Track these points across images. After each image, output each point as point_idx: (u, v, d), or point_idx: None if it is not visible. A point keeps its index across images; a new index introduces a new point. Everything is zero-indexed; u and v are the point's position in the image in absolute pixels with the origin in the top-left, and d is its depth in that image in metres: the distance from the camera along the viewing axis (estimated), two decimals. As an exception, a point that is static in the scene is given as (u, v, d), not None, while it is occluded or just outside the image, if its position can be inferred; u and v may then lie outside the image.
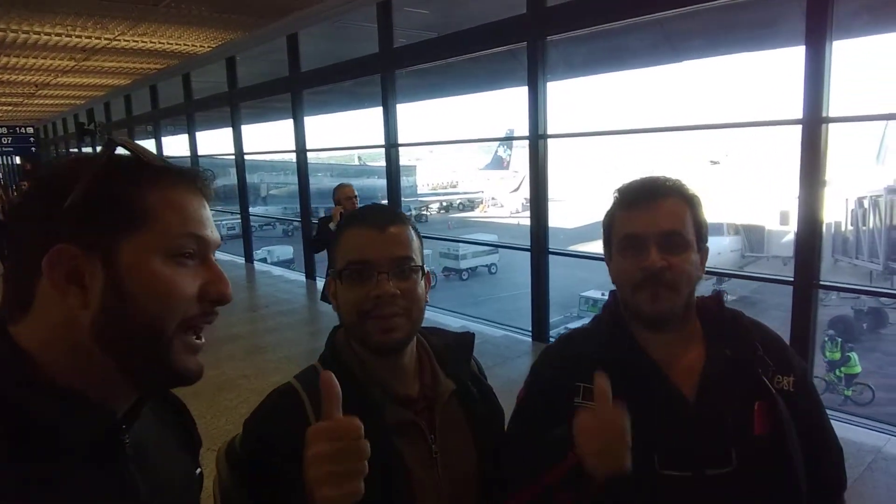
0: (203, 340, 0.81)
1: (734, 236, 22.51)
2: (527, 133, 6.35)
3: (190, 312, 0.76)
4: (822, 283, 4.59)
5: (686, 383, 1.23)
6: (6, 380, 0.70)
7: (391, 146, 8.25)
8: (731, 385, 1.22)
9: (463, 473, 1.23)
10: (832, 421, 3.84)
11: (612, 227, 1.28)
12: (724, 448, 1.18)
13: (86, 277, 0.72)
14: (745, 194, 23.73)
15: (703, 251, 1.26)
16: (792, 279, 4.66)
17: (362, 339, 1.18)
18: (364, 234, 1.18)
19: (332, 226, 5.34)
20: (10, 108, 19.19)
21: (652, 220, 1.20)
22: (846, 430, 4.34)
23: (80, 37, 9.43)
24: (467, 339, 1.38)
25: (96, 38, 9.54)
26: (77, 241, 0.71)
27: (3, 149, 18.93)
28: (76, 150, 22.47)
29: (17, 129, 18.70)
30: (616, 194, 1.29)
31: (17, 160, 24.66)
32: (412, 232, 1.23)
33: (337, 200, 5.62)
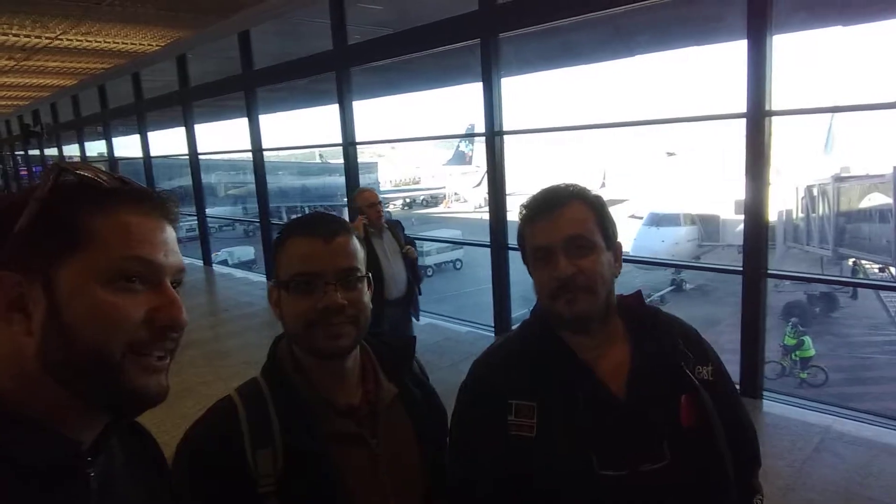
0: (168, 360, 0.78)
1: (690, 226, 23.01)
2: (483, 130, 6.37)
3: (137, 337, 0.73)
4: (770, 271, 4.73)
5: (615, 381, 1.26)
6: None
7: (349, 144, 8.17)
8: (657, 380, 1.26)
9: (407, 476, 1.24)
10: (784, 405, 3.96)
11: (524, 241, 1.31)
12: (657, 442, 1.21)
13: (29, 305, 0.71)
14: (701, 185, 24.28)
15: (616, 248, 1.30)
16: (741, 269, 4.79)
17: (308, 345, 1.18)
18: (310, 245, 1.17)
19: None
20: (-52, 109, 18.35)
21: (555, 228, 1.23)
22: (796, 412, 4.49)
23: (17, 35, 9.03)
24: (409, 343, 1.40)
25: (36, 36, 9.15)
26: (20, 267, 0.70)
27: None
28: (22, 152, 21.69)
29: (-42, 131, 17.83)
30: (521, 209, 1.31)
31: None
32: (356, 241, 1.23)
33: (358, 209, 4.71)
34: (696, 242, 23.13)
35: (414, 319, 5.05)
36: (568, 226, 1.23)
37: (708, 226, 23.15)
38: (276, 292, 1.22)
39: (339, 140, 8.23)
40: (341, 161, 8.58)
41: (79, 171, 0.76)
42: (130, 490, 0.87)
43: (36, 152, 19.58)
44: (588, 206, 1.26)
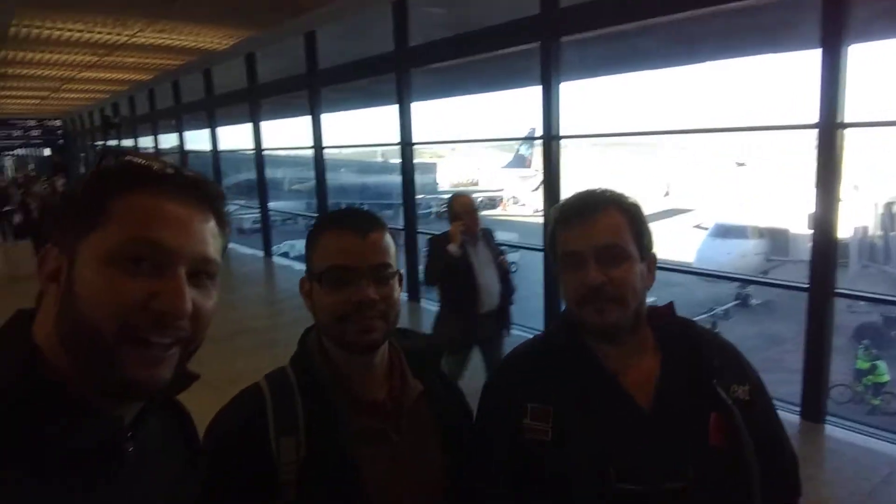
0: (172, 350, 0.77)
1: (759, 239, 22.11)
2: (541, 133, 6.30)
3: (133, 321, 0.72)
4: (838, 290, 4.47)
5: (641, 394, 1.21)
6: (15, 380, 0.71)
7: (406, 144, 8.25)
8: (686, 396, 1.20)
9: (428, 474, 1.24)
10: (851, 432, 3.76)
11: (555, 245, 1.27)
12: (681, 460, 1.16)
13: (61, 277, 0.74)
14: (771, 197, 23.31)
15: (650, 259, 1.25)
16: (807, 286, 4.55)
17: (338, 338, 1.19)
18: (345, 239, 1.19)
19: (453, 248, 4.11)
20: (37, 101, 19.63)
21: (588, 235, 1.20)
22: (862, 440, 4.23)
23: (100, 33, 9.61)
24: (437, 340, 1.38)
25: (116, 34, 9.71)
26: (58, 241, 0.76)
27: (32, 141, 19.31)
28: (102, 142, 22.94)
29: (45, 121, 19.08)
30: (554, 211, 1.28)
31: (47, 152, 25.23)
32: (389, 237, 1.24)
33: (455, 215, 4.29)
34: (764, 256, 22.21)
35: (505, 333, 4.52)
36: (601, 233, 1.19)
37: (777, 239, 22.21)
38: (307, 284, 1.23)
39: (398, 140, 8.32)
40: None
41: (124, 156, 0.78)
42: (163, 465, 0.90)
43: (115, 142, 20.65)
44: (624, 213, 1.22)
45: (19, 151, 29.40)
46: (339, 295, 1.16)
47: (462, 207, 4.27)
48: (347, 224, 1.20)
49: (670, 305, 1.32)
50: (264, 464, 1.11)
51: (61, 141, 22.05)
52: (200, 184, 0.81)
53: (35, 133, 18.90)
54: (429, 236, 4.46)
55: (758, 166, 28.95)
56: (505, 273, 4.46)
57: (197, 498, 1.00)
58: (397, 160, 8.58)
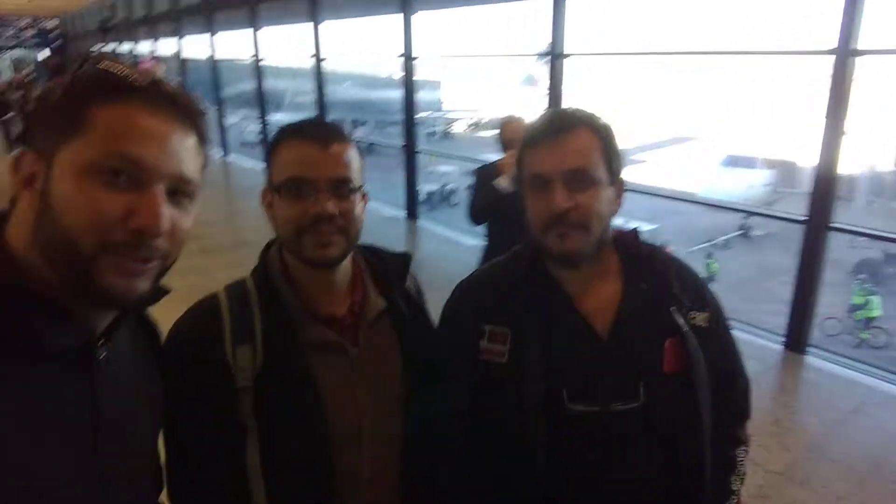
0: (152, 265, 0.78)
1: (767, 170, 21.84)
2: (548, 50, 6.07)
3: (112, 237, 0.73)
4: (833, 225, 4.42)
5: (599, 318, 1.22)
6: None
7: (408, 57, 7.97)
8: (644, 321, 1.21)
9: (387, 388, 1.26)
10: (830, 364, 3.79)
11: (522, 166, 1.23)
12: (633, 384, 1.18)
13: (36, 183, 0.74)
14: (784, 128, 22.80)
15: (618, 183, 1.21)
16: (804, 219, 4.50)
17: (298, 252, 1.17)
18: (305, 150, 1.15)
19: (503, 182, 3.36)
20: (30, -2, 18.87)
21: (556, 157, 1.15)
22: (841, 371, 4.33)
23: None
24: (404, 258, 1.39)
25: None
26: (34, 146, 0.75)
27: (26, 42, 18.75)
28: (100, 45, 22.27)
29: (41, 21, 18.43)
30: (526, 130, 1.22)
31: (45, 55, 24.54)
32: (353, 151, 1.20)
33: (508, 143, 3.53)
34: (772, 188, 22.03)
35: None
36: (571, 157, 1.14)
37: (786, 171, 21.95)
38: (268, 195, 1.21)
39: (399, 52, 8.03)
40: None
41: (104, 63, 0.76)
42: (131, 374, 0.93)
43: (112, 45, 20.06)
44: (596, 134, 1.17)
45: (15, 53, 28.63)
46: (296, 207, 1.14)
47: (515, 134, 3.44)
48: (308, 134, 1.16)
49: (635, 231, 1.30)
50: (221, 370, 1.13)
51: (58, 42, 21.38)
52: (181, 98, 0.79)
53: (30, 33, 18.24)
54: (477, 167, 3.71)
55: (771, 97, 28.14)
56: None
57: (162, 403, 1.04)
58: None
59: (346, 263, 1.24)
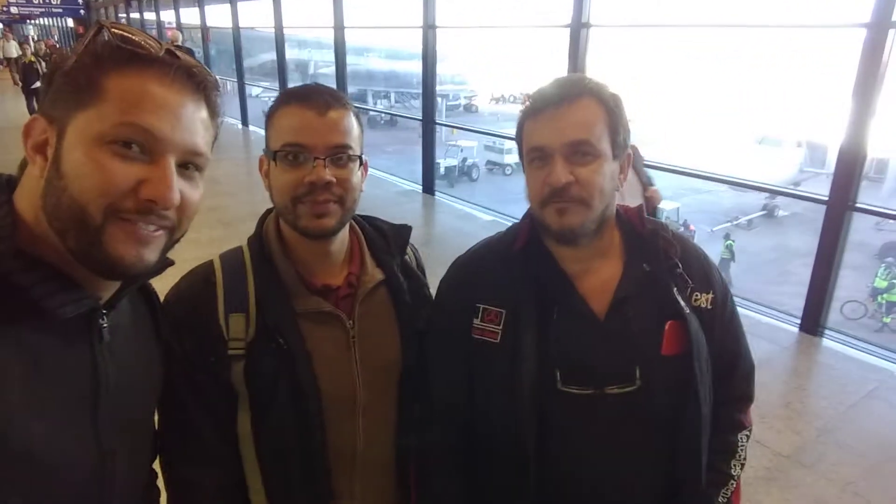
0: (159, 233, 0.79)
1: (795, 149, 21.33)
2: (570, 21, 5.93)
3: (121, 205, 0.74)
4: (856, 205, 4.30)
5: (598, 298, 1.17)
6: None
7: (429, 27, 7.85)
8: (644, 302, 1.16)
9: (382, 360, 1.25)
10: (847, 347, 3.68)
11: (521, 137, 1.17)
12: (629, 367, 1.14)
13: (47, 150, 0.74)
14: (814, 107, 22.18)
15: (625, 157, 1.16)
16: (826, 198, 4.40)
17: (293, 222, 1.16)
18: (302, 116, 1.13)
19: None
20: (57, -35, 18.94)
21: (558, 129, 1.09)
22: (858, 355, 4.26)
23: None
24: (404, 230, 1.37)
25: None
26: (46, 113, 0.74)
27: (53, 10, 18.85)
28: (124, 15, 22.32)
29: (66, -11, 18.52)
30: (525, 99, 1.16)
31: (70, 23, 24.66)
32: (353, 118, 1.18)
33: None
34: (798, 168, 21.51)
35: None
36: (573, 128, 1.08)
37: (815, 151, 21.39)
38: (266, 162, 1.19)
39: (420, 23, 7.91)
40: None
41: (118, 31, 0.75)
42: (132, 344, 0.94)
43: (136, 15, 20.09)
44: (602, 105, 1.11)
45: (41, 21, 28.87)
46: (292, 174, 1.12)
47: None
48: (307, 100, 1.13)
49: (640, 209, 1.24)
50: (214, 337, 1.13)
51: (83, 11, 21.47)
52: (195, 70, 0.79)
53: (56, 1, 18.33)
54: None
55: (804, 74, 27.32)
56: (653, 211, 3.91)
57: (160, 372, 1.05)
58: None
59: (344, 234, 1.23)
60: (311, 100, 1.13)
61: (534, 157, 1.13)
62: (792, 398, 3.69)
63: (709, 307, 1.21)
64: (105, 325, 0.83)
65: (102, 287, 0.82)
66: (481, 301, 1.21)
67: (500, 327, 1.18)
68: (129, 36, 0.76)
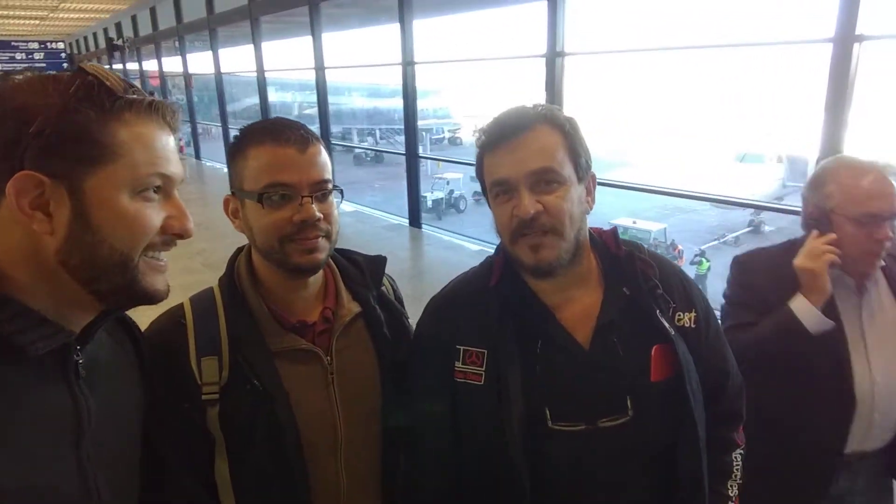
0: (164, 262, 0.85)
1: (776, 164, 21.65)
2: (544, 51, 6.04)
3: (152, 242, 0.81)
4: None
5: (581, 329, 1.14)
6: None
7: (408, 64, 7.98)
8: (628, 328, 1.13)
9: (362, 394, 1.22)
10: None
11: (482, 172, 1.15)
12: (619, 396, 1.11)
13: (51, 205, 0.74)
14: (791, 122, 22.63)
15: (589, 179, 1.14)
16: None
17: (281, 260, 1.14)
18: (282, 154, 1.11)
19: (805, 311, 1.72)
20: (37, 21, 19.16)
21: (518, 159, 1.07)
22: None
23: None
24: (379, 261, 1.35)
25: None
26: (43, 169, 0.72)
27: (36, 64, 19.02)
28: (108, 66, 22.48)
29: (48, 44, 18.71)
30: (478, 134, 1.14)
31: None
32: (324, 149, 1.17)
33: (818, 213, 1.59)
34: (781, 182, 21.81)
35: None
36: (533, 157, 1.06)
37: (796, 165, 21.72)
38: (234, 202, 1.17)
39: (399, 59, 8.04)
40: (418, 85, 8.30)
41: (93, 73, 0.77)
42: (114, 378, 0.93)
43: (119, 66, 20.29)
44: (558, 130, 1.09)
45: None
46: (279, 213, 1.10)
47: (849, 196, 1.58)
48: (281, 137, 1.11)
49: (614, 231, 1.22)
50: (186, 382, 1.11)
51: (65, 65, 21.67)
52: (165, 105, 0.84)
53: (38, 56, 18.52)
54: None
55: (777, 91, 27.94)
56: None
57: (143, 404, 1.03)
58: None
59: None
60: (285, 136, 1.11)
61: (498, 191, 1.10)
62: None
63: (692, 326, 1.18)
64: (80, 359, 0.82)
65: (73, 320, 0.81)
66: (461, 342, 1.16)
67: (483, 368, 1.14)
68: (114, 83, 0.77)
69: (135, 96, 0.78)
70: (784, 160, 22.04)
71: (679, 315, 1.17)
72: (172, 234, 0.83)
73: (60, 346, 0.78)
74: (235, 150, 1.16)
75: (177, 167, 0.84)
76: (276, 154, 1.11)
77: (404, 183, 8.60)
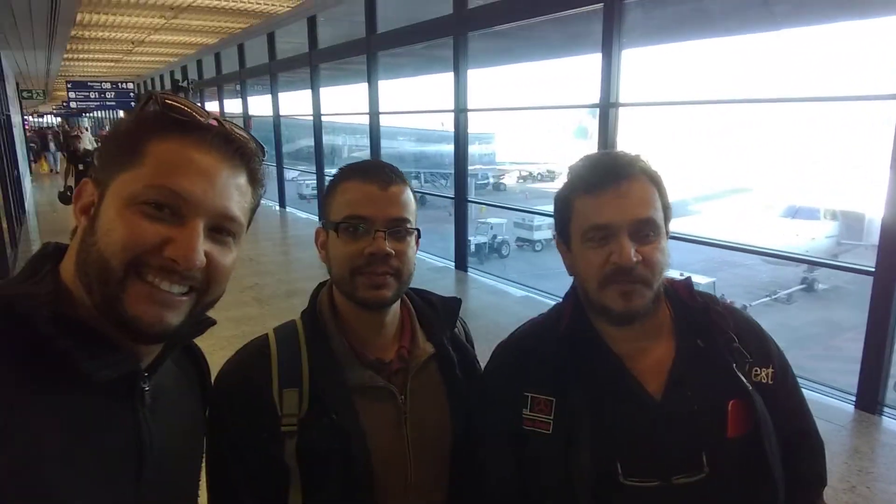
0: (169, 293, 0.77)
1: (831, 221, 21.01)
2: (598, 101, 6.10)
3: (144, 260, 0.75)
4: (906, 275, 4.17)
5: (653, 381, 1.11)
6: (39, 315, 0.71)
7: (460, 111, 8.15)
8: (702, 382, 1.10)
9: (434, 436, 1.22)
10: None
11: (572, 214, 1.13)
12: (695, 452, 1.06)
13: (92, 210, 0.77)
14: (846, 178, 22.03)
15: (668, 234, 1.14)
16: (872, 269, 4.28)
17: (350, 292, 1.17)
18: (364, 190, 1.17)
19: None
20: (111, 64, 20.40)
21: (622, 206, 1.06)
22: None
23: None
24: (453, 303, 1.37)
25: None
26: (95, 177, 0.78)
27: (107, 103, 20.18)
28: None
29: (119, 84, 19.86)
30: (571, 174, 1.14)
31: (122, 114, 26.25)
32: (410, 193, 1.21)
33: None
34: (836, 239, 21.12)
35: None
36: (638, 206, 1.05)
37: (851, 222, 21.03)
38: (323, 234, 1.22)
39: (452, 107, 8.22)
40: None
41: (166, 100, 0.79)
42: (176, 407, 0.93)
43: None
44: (653, 182, 1.09)
45: (96, 114, 30.75)
46: (352, 246, 1.15)
47: None
48: (369, 175, 1.18)
49: (688, 281, 1.20)
50: (267, 413, 1.12)
51: (133, 103, 22.92)
52: (234, 136, 0.81)
53: (110, 95, 19.64)
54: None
55: (833, 146, 27.35)
56: None
57: (205, 441, 1.04)
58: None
59: (396, 307, 1.23)
60: (373, 174, 1.18)
61: (593, 235, 1.08)
62: (856, 481, 3.46)
63: (770, 382, 1.13)
64: (147, 387, 0.82)
65: (143, 350, 0.81)
66: (529, 389, 1.15)
67: (552, 417, 1.12)
68: (175, 104, 0.78)
69: (186, 118, 0.78)
70: (839, 217, 21.40)
71: (756, 370, 1.13)
72: (168, 257, 0.75)
73: (131, 376, 0.78)
74: (330, 186, 1.23)
75: (209, 195, 0.77)
76: (360, 189, 1.17)
77: (446, 226, 8.67)
